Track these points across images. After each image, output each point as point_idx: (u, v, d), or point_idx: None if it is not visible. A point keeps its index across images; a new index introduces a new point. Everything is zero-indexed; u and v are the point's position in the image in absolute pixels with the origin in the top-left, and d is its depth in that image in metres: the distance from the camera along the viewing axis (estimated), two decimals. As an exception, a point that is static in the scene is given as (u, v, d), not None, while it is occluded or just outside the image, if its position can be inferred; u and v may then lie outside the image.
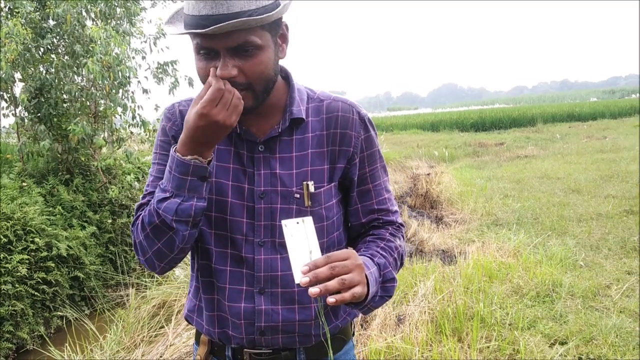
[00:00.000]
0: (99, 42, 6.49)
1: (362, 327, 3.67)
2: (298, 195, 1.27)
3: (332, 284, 1.01)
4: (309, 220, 1.10)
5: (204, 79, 1.17)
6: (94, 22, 7.40)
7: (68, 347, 3.96)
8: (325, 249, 1.31)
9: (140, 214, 1.26)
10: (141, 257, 1.27)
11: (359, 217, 1.38)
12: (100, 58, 6.50)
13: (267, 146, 1.28)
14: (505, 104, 70.89)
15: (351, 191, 1.37)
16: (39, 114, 6.86)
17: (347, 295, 1.02)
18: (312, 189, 1.24)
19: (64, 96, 7.13)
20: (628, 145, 13.82)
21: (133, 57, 7.53)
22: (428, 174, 9.39)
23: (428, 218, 6.91)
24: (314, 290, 0.99)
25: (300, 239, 1.08)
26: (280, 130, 1.27)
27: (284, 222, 1.08)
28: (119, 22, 7.60)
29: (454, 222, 6.89)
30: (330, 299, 1.00)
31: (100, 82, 6.63)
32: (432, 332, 3.52)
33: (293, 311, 1.31)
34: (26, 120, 7.17)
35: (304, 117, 1.29)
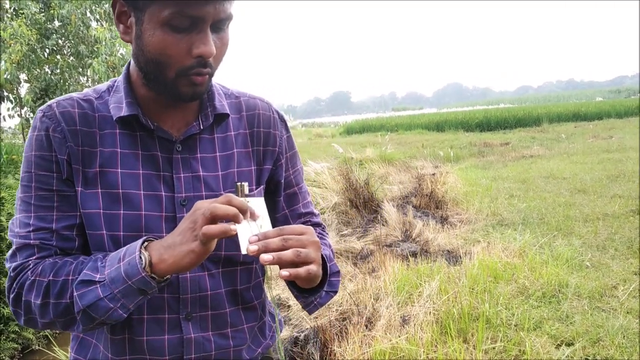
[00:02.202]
0: (104, 43, 6.51)
1: (366, 328, 3.65)
2: None
3: (287, 254, 0.90)
4: (259, 200, 1.00)
5: (175, 58, 0.96)
6: (99, 23, 7.43)
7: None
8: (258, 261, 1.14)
9: (29, 271, 1.01)
10: (23, 319, 1.04)
11: (289, 222, 1.26)
12: (106, 59, 6.52)
13: (186, 145, 1.11)
14: (510, 104, 70.64)
15: (277, 195, 1.25)
16: (44, 115, 6.87)
17: (302, 270, 0.91)
18: (246, 190, 1.01)
19: (69, 97, 7.16)
20: (634, 145, 13.73)
21: (138, 58, 7.55)
22: (433, 174, 9.36)
23: (433, 218, 6.88)
24: (266, 257, 0.88)
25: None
26: (201, 127, 1.11)
27: None
28: (123, 22, 7.61)
29: (459, 222, 6.84)
30: (284, 272, 0.90)
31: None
32: (437, 333, 3.50)
33: (226, 337, 1.15)
34: (31, 121, 7.20)
35: (228, 112, 1.15)
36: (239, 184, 1.01)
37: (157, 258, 0.93)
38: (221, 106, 1.14)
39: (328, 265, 1.12)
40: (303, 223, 1.27)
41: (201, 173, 1.11)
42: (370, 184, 7.42)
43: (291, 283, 1.11)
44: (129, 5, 0.99)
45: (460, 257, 5.34)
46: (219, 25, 0.98)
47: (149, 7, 0.94)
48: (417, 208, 7.24)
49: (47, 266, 1.01)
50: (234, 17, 1.01)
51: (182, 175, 1.09)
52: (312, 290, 1.10)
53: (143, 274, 0.93)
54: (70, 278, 0.98)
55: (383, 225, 6.29)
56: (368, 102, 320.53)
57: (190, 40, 0.95)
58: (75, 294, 0.96)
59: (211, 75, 1.03)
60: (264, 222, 0.96)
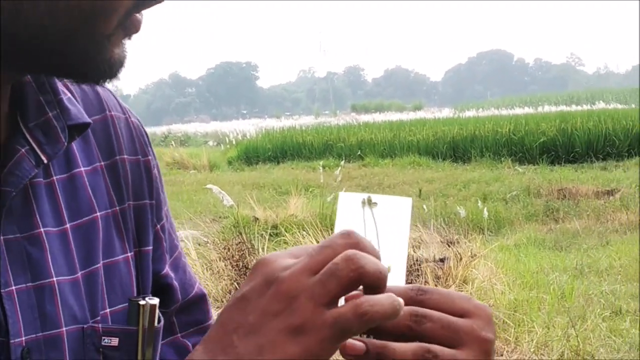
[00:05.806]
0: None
1: None
2: (108, 341, 0.58)
3: (408, 346, 0.47)
4: (404, 201, 0.57)
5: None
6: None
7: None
8: None
9: None
10: None
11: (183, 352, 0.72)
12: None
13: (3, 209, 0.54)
14: (618, 103, 29.35)
15: (167, 304, 0.73)
16: None
17: None
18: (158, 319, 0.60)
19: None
20: None
21: None
22: (441, 261, 5.62)
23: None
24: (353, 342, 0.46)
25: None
26: (43, 159, 0.55)
27: (341, 194, 0.59)
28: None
29: (501, 371, 4.25)
30: None
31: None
32: None
33: None
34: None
35: (89, 120, 0.59)
36: (142, 303, 0.58)
37: None
38: (76, 111, 0.58)
39: None
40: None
41: (54, 279, 0.56)
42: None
43: None
44: None
45: None
46: None
47: None
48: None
49: None
50: None
51: (13, 288, 0.55)
52: None
53: None
54: None
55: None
56: (301, 84, 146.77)
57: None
58: None
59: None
60: (397, 262, 0.55)
